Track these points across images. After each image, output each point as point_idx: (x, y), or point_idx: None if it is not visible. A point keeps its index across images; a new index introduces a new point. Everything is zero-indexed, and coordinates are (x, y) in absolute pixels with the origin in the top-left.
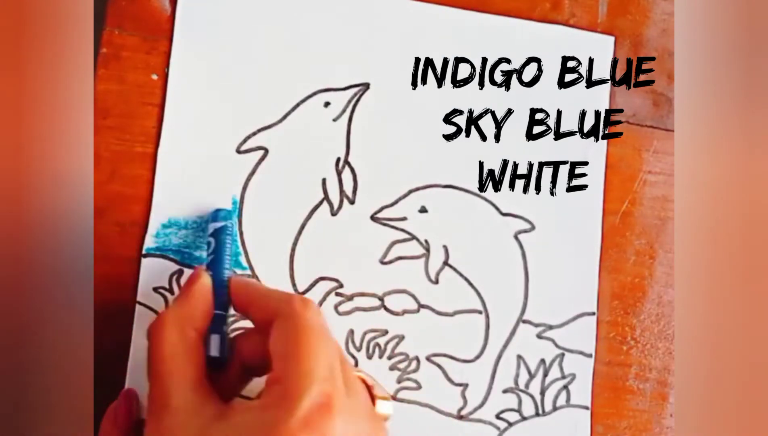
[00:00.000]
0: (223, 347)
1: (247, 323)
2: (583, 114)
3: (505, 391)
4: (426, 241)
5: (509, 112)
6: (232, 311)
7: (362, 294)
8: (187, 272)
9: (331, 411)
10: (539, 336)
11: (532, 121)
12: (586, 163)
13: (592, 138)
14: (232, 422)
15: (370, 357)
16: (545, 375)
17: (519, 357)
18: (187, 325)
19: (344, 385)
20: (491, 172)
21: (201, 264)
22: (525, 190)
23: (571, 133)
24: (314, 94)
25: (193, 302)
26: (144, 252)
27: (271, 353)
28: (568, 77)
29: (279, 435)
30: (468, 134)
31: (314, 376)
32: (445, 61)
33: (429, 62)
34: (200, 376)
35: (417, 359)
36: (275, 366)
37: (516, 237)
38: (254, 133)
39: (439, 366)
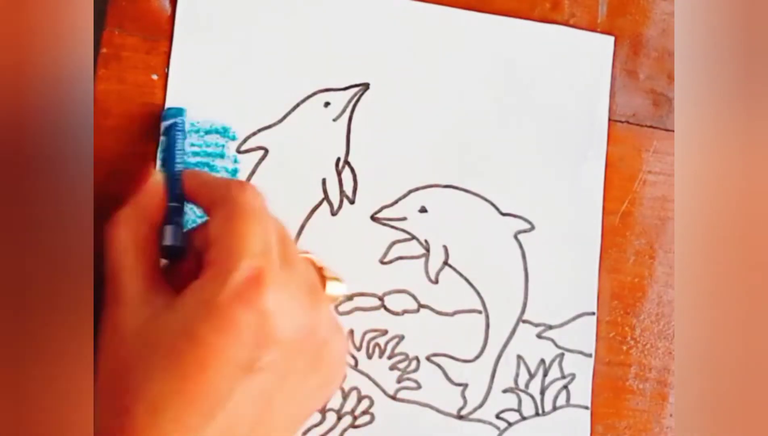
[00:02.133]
0: (176, 236)
1: None
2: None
3: (505, 391)
4: (426, 241)
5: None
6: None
7: (362, 294)
8: None
9: (261, 283)
10: (539, 336)
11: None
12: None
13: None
14: (176, 306)
15: (370, 357)
16: (545, 375)
17: (519, 357)
18: (140, 220)
19: (283, 261)
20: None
21: (151, 163)
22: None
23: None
24: (314, 94)
25: (143, 198)
26: None
27: (209, 237)
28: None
29: (212, 309)
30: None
31: (246, 252)
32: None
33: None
34: (152, 268)
35: (417, 359)
36: (211, 248)
37: (516, 237)
38: (254, 133)
39: (439, 366)
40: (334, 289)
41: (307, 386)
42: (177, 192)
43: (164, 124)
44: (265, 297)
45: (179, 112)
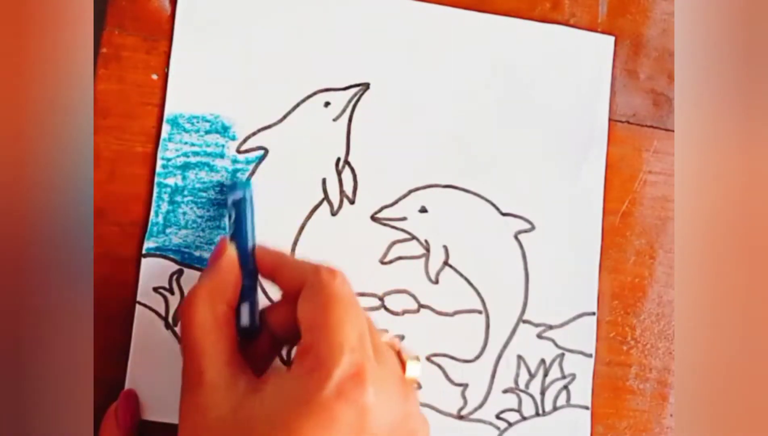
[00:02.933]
0: (253, 316)
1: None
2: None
3: (505, 391)
4: (426, 241)
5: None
6: (260, 280)
7: (362, 294)
8: (188, 272)
9: (363, 380)
10: (539, 336)
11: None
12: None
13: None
14: (265, 393)
15: None
16: (545, 375)
17: (519, 357)
18: (217, 299)
19: (374, 353)
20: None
21: (223, 236)
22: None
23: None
24: (314, 94)
25: (221, 275)
26: (144, 252)
27: (300, 323)
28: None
29: (313, 405)
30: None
31: (345, 345)
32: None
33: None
34: (233, 350)
35: (417, 359)
36: (304, 336)
37: (516, 237)
38: (254, 133)
39: (439, 366)
40: (413, 371)
41: None
42: (251, 268)
43: (232, 197)
44: (367, 394)
45: (247, 184)
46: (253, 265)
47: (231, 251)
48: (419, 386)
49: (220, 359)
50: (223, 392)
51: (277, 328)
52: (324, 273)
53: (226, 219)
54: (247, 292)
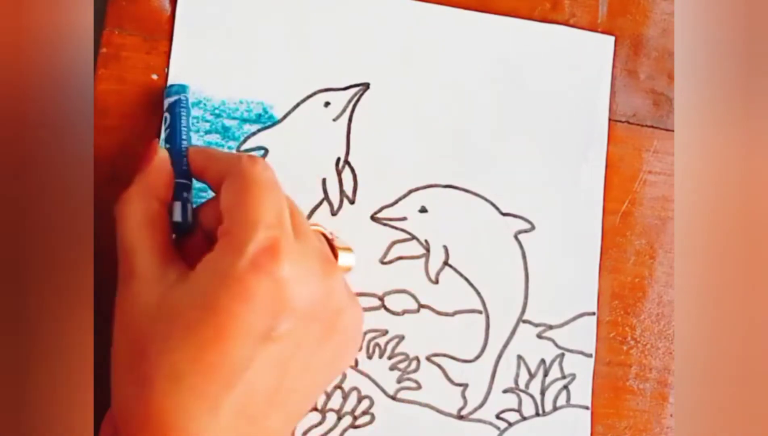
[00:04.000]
0: (185, 212)
1: None
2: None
3: (505, 391)
4: (426, 241)
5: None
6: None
7: (362, 294)
8: None
9: (278, 253)
10: (539, 336)
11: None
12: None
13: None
14: (191, 279)
15: (370, 357)
16: (545, 375)
17: (519, 357)
18: (149, 196)
19: (295, 233)
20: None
21: (155, 139)
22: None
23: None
24: (314, 94)
25: (153, 174)
26: None
27: (222, 210)
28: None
29: (229, 280)
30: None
31: (260, 223)
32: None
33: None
34: (164, 244)
35: (417, 359)
36: (225, 221)
37: (516, 237)
38: (254, 133)
39: (439, 366)
40: (346, 259)
41: (323, 354)
42: (184, 168)
43: (167, 101)
44: (282, 266)
45: (182, 88)
46: (186, 165)
47: (162, 152)
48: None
49: (151, 253)
50: (153, 284)
51: (209, 224)
52: (245, 160)
53: (162, 123)
54: (180, 190)
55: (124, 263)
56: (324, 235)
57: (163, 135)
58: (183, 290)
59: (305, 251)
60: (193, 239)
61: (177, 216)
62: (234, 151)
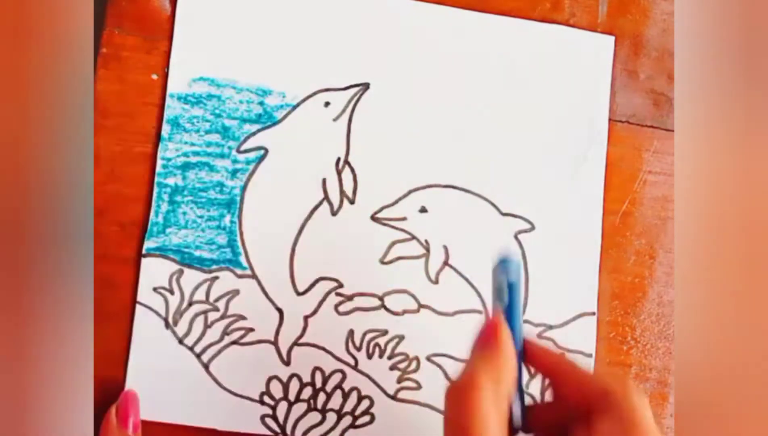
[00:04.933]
0: (524, 415)
1: None
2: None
3: None
4: (426, 241)
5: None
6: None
7: (362, 294)
8: (188, 272)
9: None
10: (539, 336)
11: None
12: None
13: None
14: None
15: (370, 357)
16: None
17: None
18: (500, 388)
19: None
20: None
21: (496, 311)
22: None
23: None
24: (314, 94)
25: (501, 361)
26: (144, 252)
27: None
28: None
29: None
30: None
31: None
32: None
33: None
34: None
35: (417, 359)
36: None
37: (516, 237)
38: (254, 133)
39: (439, 366)
40: None
41: None
42: (519, 361)
43: (506, 276)
44: None
45: (518, 268)
46: (520, 356)
47: (506, 337)
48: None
49: None
50: None
51: (541, 428)
52: (634, 393)
53: (492, 293)
54: (518, 386)
55: None
56: None
57: (500, 308)
58: None
59: None
60: None
61: (517, 421)
62: (599, 375)
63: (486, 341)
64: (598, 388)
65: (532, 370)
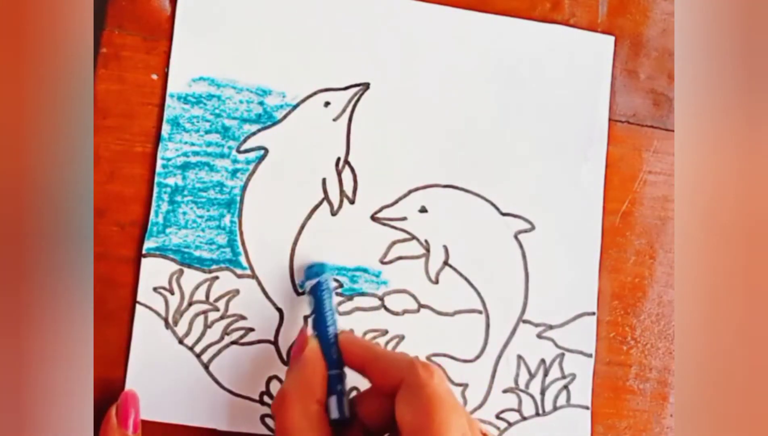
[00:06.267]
0: (342, 407)
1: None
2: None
3: (505, 391)
4: (426, 241)
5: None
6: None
7: (362, 294)
8: (188, 272)
9: None
10: (539, 336)
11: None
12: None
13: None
14: None
15: None
16: (545, 375)
17: (519, 357)
18: (306, 397)
19: None
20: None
21: (304, 327)
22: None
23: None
24: (314, 94)
25: (307, 371)
26: (144, 252)
27: (400, 424)
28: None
29: None
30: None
31: None
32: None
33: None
34: None
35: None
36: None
37: (516, 237)
38: (254, 133)
39: (439, 366)
40: None
41: None
42: (334, 357)
43: (309, 283)
44: None
45: (322, 268)
46: (336, 353)
47: (313, 344)
48: None
49: None
50: None
51: (369, 418)
52: (421, 371)
53: (306, 304)
54: (334, 383)
55: None
56: (484, 434)
57: (310, 321)
58: None
59: None
60: (350, 430)
61: (334, 413)
62: (398, 353)
63: (295, 355)
64: (395, 371)
65: (349, 363)
